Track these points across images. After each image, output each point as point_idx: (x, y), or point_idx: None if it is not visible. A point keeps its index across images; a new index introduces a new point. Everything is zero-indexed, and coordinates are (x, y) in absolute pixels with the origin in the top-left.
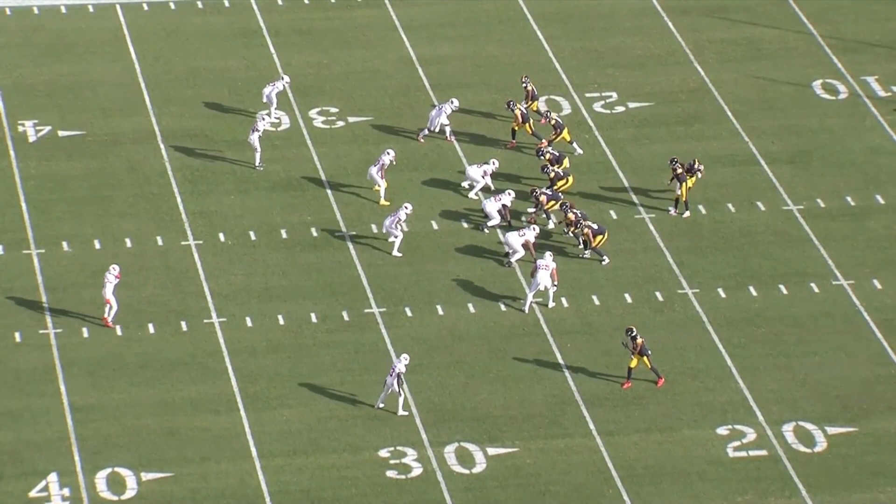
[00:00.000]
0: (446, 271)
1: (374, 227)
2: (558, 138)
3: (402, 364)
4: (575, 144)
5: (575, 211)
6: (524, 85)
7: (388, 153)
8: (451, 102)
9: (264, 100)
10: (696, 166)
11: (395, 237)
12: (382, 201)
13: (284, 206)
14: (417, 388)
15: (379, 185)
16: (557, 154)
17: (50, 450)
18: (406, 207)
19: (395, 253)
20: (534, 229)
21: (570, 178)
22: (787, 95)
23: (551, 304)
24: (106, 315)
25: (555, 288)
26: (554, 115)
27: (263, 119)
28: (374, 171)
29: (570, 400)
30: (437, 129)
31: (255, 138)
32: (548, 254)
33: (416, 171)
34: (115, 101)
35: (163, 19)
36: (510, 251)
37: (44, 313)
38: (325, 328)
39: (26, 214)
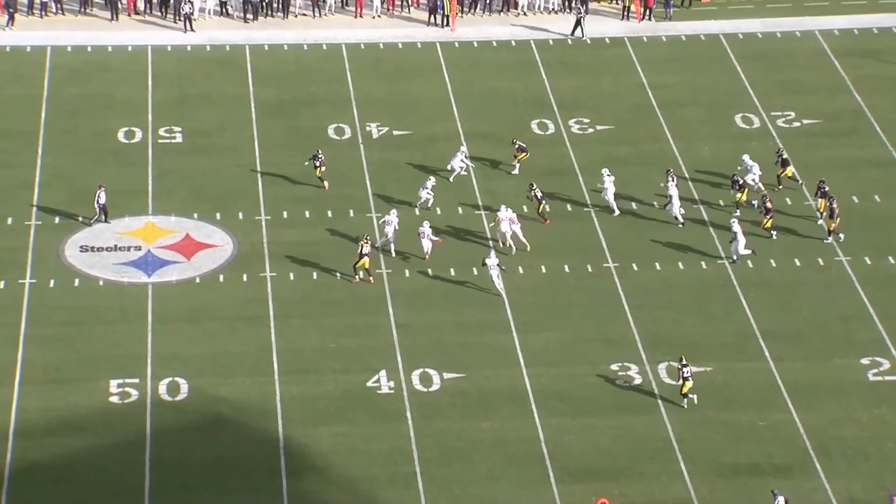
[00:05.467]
0: (661, 236)
1: (617, 210)
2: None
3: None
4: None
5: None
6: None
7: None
8: (461, 151)
9: (448, 167)
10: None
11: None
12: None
13: (547, 187)
14: (640, 322)
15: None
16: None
17: (381, 354)
18: (392, 214)
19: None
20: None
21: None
22: None
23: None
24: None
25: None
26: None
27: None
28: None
29: (751, 334)
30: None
31: (456, 166)
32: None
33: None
34: (432, 110)
35: (468, 54)
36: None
37: (379, 258)
38: (574, 276)
39: (369, 188)
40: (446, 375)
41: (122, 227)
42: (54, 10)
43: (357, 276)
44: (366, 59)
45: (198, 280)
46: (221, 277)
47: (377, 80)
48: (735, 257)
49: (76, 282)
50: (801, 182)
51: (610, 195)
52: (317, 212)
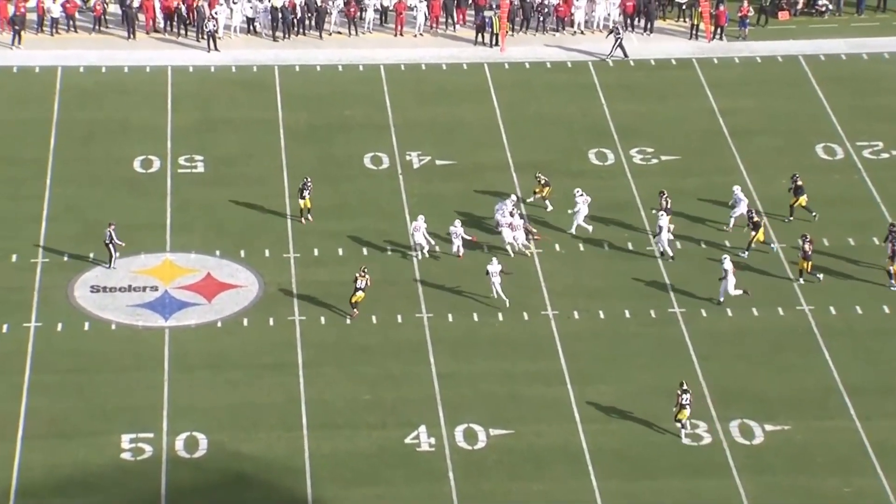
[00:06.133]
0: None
1: (678, 244)
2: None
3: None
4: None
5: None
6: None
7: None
8: (511, 199)
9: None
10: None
11: (423, 248)
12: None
13: (607, 224)
14: (709, 374)
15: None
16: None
17: (420, 407)
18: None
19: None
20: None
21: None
22: None
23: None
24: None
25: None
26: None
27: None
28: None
29: (834, 388)
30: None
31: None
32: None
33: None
34: (479, 137)
35: (519, 76)
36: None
37: (418, 301)
38: (636, 322)
39: (408, 223)
40: (493, 431)
41: (137, 266)
42: (66, 27)
43: (354, 311)
44: (406, 82)
45: (219, 324)
46: (245, 321)
47: (419, 105)
48: (722, 298)
49: (86, 325)
50: (814, 214)
51: (581, 217)
52: (351, 249)
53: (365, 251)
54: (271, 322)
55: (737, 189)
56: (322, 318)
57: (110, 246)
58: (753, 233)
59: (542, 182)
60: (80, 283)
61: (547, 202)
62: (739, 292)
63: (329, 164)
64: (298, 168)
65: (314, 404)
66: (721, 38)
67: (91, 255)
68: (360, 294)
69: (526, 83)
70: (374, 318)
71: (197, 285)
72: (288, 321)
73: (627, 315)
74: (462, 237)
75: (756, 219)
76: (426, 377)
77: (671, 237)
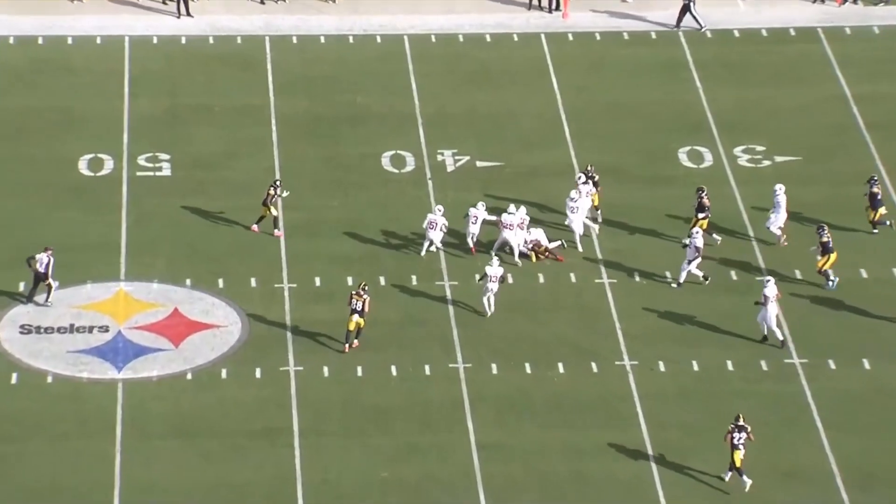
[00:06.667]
0: (873, 323)
1: (797, 272)
2: None
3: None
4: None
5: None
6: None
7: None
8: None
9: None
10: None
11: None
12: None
13: (712, 248)
14: (839, 445)
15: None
16: None
17: (455, 488)
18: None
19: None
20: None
21: None
22: None
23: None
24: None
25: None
26: None
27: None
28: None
29: None
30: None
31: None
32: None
33: None
34: (534, 132)
35: (588, 49)
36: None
37: (453, 346)
38: (741, 377)
39: (439, 243)
40: None
41: (82, 299)
42: None
43: (353, 343)
44: (438, 58)
45: (189, 376)
46: (224, 373)
47: (454, 89)
48: (765, 332)
49: (13, 377)
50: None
51: (579, 224)
52: (364, 276)
53: (382, 280)
54: (258, 374)
55: (779, 189)
56: (325, 370)
57: (46, 276)
58: (821, 257)
59: (590, 180)
60: (6, 322)
61: (598, 213)
62: (780, 338)
63: (336, 167)
64: (295, 171)
65: (314, 486)
66: (855, 2)
67: (21, 286)
68: (357, 319)
69: (596, 60)
70: (393, 368)
71: (160, 325)
72: (280, 373)
73: (730, 367)
74: (486, 218)
75: (826, 238)
76: (463, 449)
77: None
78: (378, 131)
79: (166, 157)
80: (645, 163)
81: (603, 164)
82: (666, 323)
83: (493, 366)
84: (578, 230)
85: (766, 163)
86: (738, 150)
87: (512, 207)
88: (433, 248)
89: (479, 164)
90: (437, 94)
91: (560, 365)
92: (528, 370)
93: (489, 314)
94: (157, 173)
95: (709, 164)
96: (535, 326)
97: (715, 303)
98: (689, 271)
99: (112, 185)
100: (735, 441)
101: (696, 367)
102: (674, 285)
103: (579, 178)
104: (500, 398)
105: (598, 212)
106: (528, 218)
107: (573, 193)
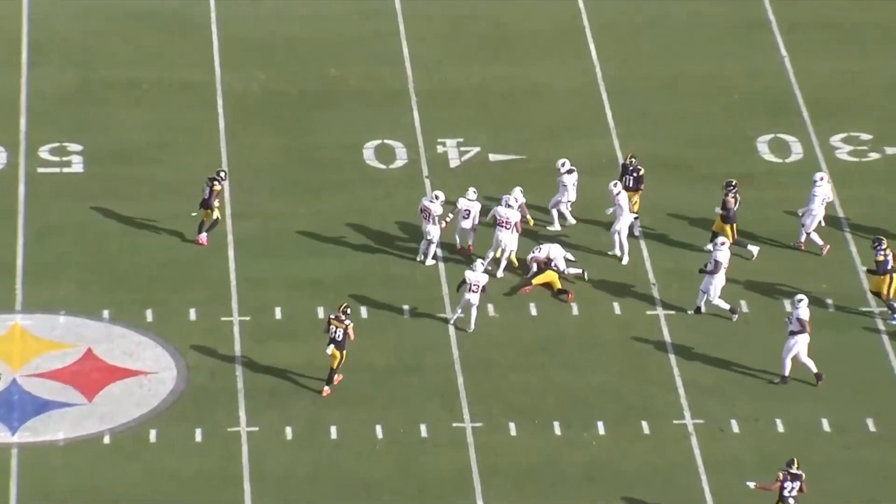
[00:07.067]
0: None
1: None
2: None
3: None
4: None
5: None
6: None
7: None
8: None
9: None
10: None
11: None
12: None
13: (790, 266)
14: None
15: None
16: None
17: None
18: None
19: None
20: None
21: None
22: None
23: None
24: None
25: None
26: None
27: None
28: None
29: None
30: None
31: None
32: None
33: None
34: (565, 115)
35: (637, 6)
36: None
37: (458, 400)
38: (841, 441)
39: (440, 258)
40: None
41: None
42: None
43: (327, 388)
44: (438, 17)
45: (107, 439)
46: (153, 435)
47: (459, 58)
48: (786, 371)
49: None
50: None
51: (624, 233)
52: (339, 303)
53: (364, 312)
54: (199, 437)
55: (819, 179)
56: (288, 431)
57: None
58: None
59: (633, 174)
60: None
61: (637, 222)
62: (812, 366)
63: (303, 162)
64: (248, 167)
65: None
66: None
67: None
68: (335, 351)
69: (647, 21)
70: (378, 429)
71: (69, 371)
72: (229, 434)
73: (825, 427)
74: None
75: (884, 256)
76: None
77: None
78: (359, 114)
79: (77, 148)
80: (712, 156)
81: (654, 157)
82: (741, 369)
83: (511, 425)
84: (622, 238)
85: (874, 155)
86: (836, 140)
87: (517, 191)
88: (431, 261)
89: (492, 157)
90: (436, 65)
91: (600, 424)
92: (558, 431)
93: (471, 329)
94: (65, 169)
95: (797, 157)
96: (567, 373)
97: (819, 347)
98: (708, 298)
99: (5, 184)
100: (785, 492)
101: (780, 428)
102: (690, 312)
103: (562, 164)
104: (519, 468)
105: (638, 220)
106: (524, 200)
107: (612, 187)
